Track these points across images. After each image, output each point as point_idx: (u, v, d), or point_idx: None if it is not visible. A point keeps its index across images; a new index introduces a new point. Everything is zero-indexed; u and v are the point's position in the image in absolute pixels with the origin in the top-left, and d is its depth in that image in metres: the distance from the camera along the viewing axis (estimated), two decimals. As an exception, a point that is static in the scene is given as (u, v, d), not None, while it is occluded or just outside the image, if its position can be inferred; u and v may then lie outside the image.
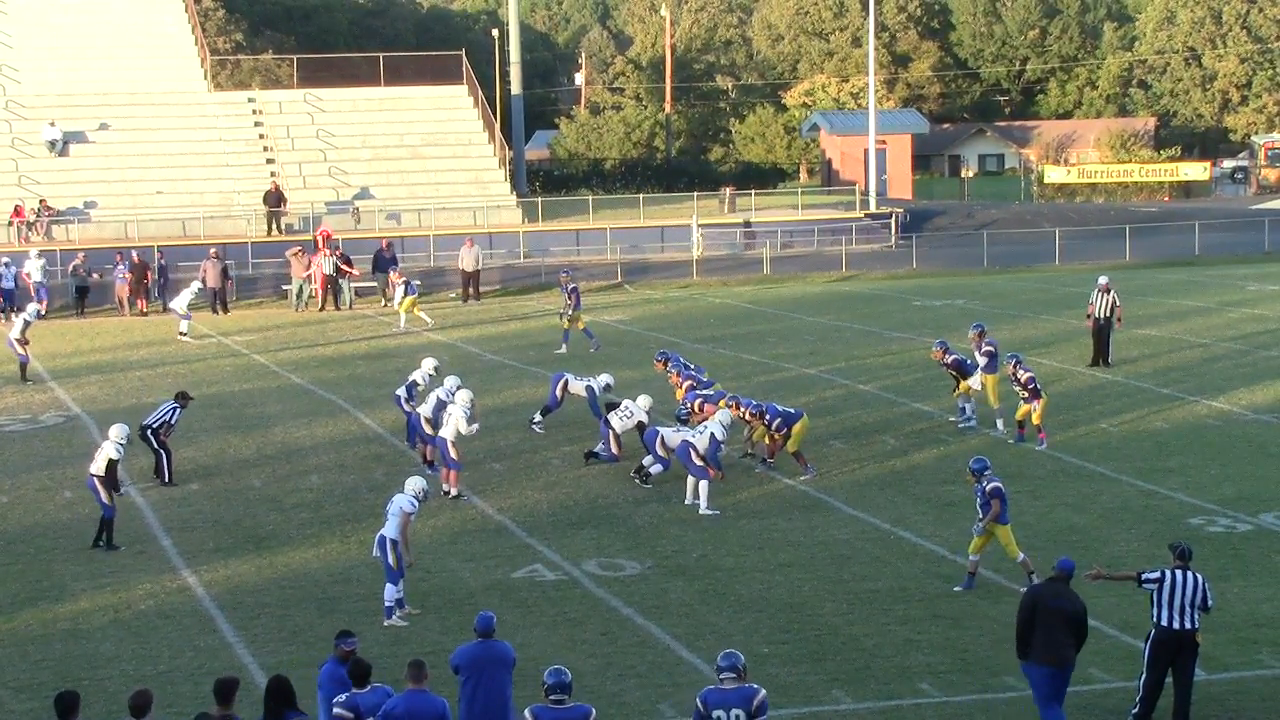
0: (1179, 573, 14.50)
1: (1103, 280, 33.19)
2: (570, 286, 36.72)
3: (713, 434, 22.25)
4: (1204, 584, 14.56)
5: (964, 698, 15.18)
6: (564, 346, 36.25)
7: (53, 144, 55.54)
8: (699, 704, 11.94)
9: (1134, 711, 14.48)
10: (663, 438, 23.18)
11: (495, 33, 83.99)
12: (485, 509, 22.48)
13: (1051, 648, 13.92)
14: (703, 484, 22.13)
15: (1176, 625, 14.36)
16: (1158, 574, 14.51)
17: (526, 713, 11.85)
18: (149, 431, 24.28)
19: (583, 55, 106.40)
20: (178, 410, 24.59)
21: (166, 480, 24.29)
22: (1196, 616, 14.44)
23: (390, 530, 17.57)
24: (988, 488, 18.21)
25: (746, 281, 52.03)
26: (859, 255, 56.01)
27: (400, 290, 42.34)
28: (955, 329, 39.35)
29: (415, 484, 17.96)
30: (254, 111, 59.48)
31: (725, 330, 39.88)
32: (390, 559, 17.51)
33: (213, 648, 16.97)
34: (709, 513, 21.84)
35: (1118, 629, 16.72)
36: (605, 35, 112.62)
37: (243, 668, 16.07)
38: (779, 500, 22.66)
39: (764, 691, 12.05)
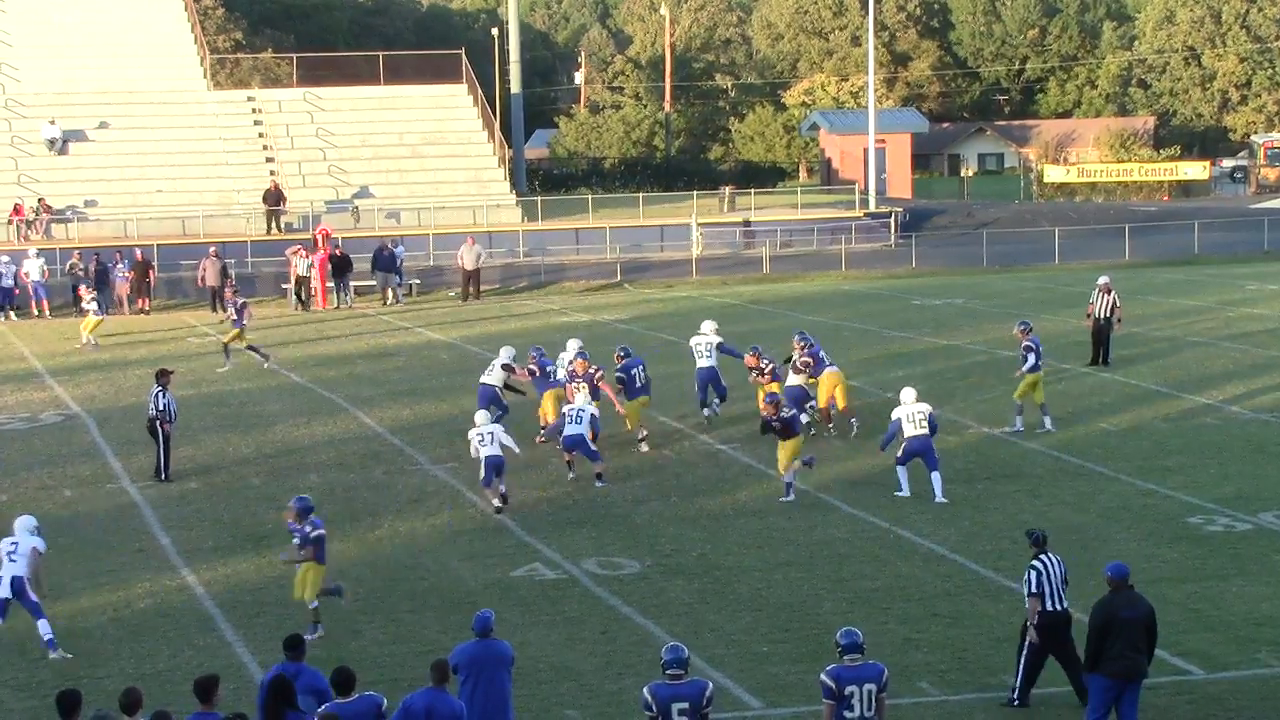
0: (1044, 557, 14.72)
1: (1103, 280, 33.19)
2: (239, 302, 35.54)
3: None
4: (1062, 562, 14.87)
5: (963, 696, 15.19)
6: (227, 364, 34.95)
7: (52, 142, 55.53)
8: (830, 681, 12.11)
9: (1015, 700, 14.76)
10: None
11: (495, 31, 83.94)
12: (484, 508, 22.46)
13: (1125, 659, 13.62)
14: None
15: (1058, 607, 14.66)
16: (1035, 569, 14.66)
17: (645, 692, 11.91)
18: (156, 424, 24.24)
19: (582, 54, 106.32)
20: (164, 391, 24.46)
21: (164, 477, 24.28)
22: (1064, 594, 14.75)
23: (19, 569, 16.71)
24: (312, 534, 17.12)
25: (746, 280, 52.03)
26: (858, 254, 56.00)
27: (94, 308, 39.57)
28: (954, 327, 39.45)
29: (29, 522, 17.21)
30: (253, 110, 59.49)
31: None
32: (34, 597, 16.72)
33: (212, 646, 16.97)
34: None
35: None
36: (605, 34, 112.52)
37: (241, 667, 16.08)
38: (778, 499, 22.65)
39: (886, 668, 12.40)
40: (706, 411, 27.81)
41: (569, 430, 23.44)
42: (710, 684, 12.12)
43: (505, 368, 26.19)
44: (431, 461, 25.13)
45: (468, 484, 23.52)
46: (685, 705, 11.81)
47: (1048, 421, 26.52)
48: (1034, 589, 14.57)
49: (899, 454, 22.61)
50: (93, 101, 57.40)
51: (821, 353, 26.55)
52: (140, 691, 11.93)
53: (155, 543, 21.13)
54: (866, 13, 71.15)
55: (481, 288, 49.26)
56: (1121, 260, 53.91)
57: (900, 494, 22.51)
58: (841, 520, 21.51)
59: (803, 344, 26.44)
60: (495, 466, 22.15)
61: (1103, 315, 32.67)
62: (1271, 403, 28.80)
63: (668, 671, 11.92)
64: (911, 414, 22.43)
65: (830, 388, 26.39)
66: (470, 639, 13.28)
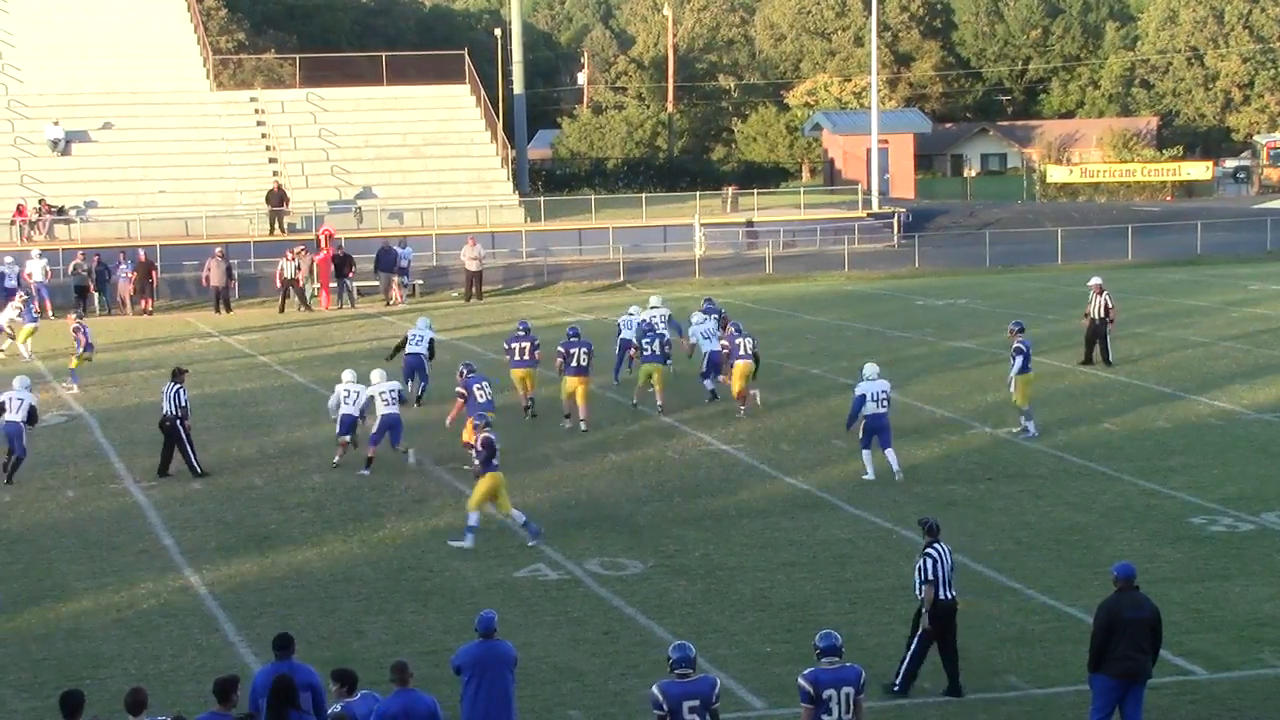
0: (937, 546, 14.96)
1: (1095, 281, 33.25)
2: (75, 326, 34.33)
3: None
4: (951, 552, 15.16)
5: (964, 696, 15.17)
6: (75, 386, 33.30)
7: (55, 143, 55.58)
8: (808, 685, 12.07)
9: (897, 687, 15.09)
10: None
11: (497, 32, 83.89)
12: (486, 507, 22.44)
13: (1129, 659, 13.58)
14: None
15: (949, 596, 14.96)
16: (930, 556, 14.88)
17: (655, 690, 11.90)
18: (178, 422, 24.29)
19: (585, 54, 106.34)
20: (180, 389, 24.56)
21: (199, 471, 24.55)
22: (952, 583, 15.06)
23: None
24: None
25: (749, 281, 52.04)
26: (861, 254, 56.01)
27: (25, 322, 37.80)
28: (956, 327, 39.46)
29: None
30: (256, 111, 59.52)
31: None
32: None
33: (215, 647, 16.99)
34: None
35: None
36: (607, 34, 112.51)
37: (245, 667, 16.06)
38: (781, 499, 22.68)
39: (863, 670, 12.42)
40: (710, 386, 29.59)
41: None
42: (718, 680, 12.16)
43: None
44: (434, 462, 25.14)
45: (469, 484, 23.50)
46: (696, 702, 11.83)
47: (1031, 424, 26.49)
48: (929, 576, 14.85)
49: (861, 437, 23.26)
50: (96, 102, 57.44)
51: (738, 340, 28.14)
52: (145, 692, 11.93)
53: (158, 543, 21.15)
54: (869, 13, 71.16)
55: (484, 288, 49.28)
56: (1124, 260, 53.91)
57: (866, 477, 23.17)
58: (844, 520, 21.52)
59: (732, 329, 28.99)
60: (350, 425, 24.30)
61: (1097, 316, 32.70)
62: (1274, 403, 28.80)
63: (676, 670, 11.93)
64: (874, 392, 23.16)
65: (739, 376, 28.06)
66: (473, 639, 13.30)
